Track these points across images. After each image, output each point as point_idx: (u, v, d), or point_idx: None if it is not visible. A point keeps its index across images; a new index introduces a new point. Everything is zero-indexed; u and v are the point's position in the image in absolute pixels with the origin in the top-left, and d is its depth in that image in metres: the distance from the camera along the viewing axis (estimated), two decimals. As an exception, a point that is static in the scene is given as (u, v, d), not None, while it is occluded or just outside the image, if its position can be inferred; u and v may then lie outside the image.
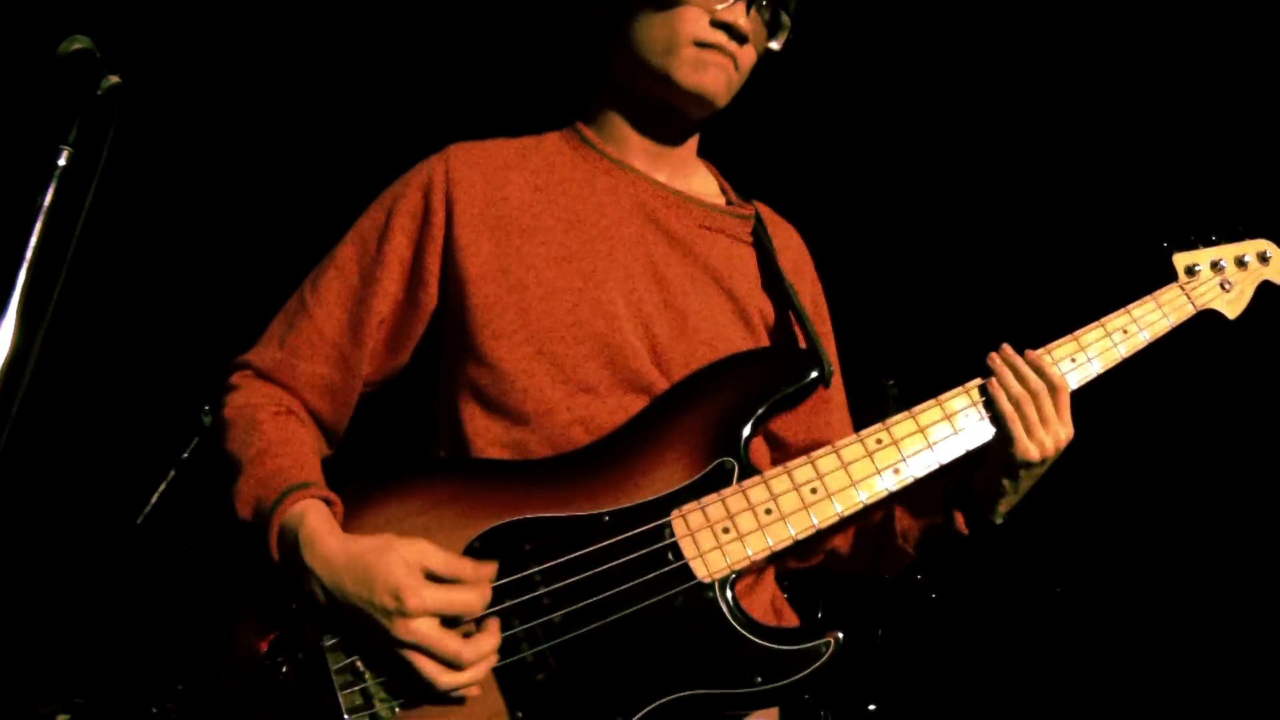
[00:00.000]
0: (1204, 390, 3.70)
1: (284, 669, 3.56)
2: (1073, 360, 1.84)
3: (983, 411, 1.79)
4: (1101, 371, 1.87)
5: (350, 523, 1.64)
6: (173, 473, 3.90)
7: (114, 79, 1.84)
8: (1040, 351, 1.83)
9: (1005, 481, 1.79)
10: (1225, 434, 3.91)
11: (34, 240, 1.79)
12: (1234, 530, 3.92)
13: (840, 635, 1.63)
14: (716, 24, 1.83)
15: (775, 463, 1.84)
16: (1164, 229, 2.03)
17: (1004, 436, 1.77)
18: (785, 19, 1.93)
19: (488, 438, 1.76)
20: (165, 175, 3.88)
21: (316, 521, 1.59)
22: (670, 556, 1.63)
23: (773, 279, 1.96)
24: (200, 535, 3.77)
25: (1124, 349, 1.88)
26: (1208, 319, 2.00)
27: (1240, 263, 2.01)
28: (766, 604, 1.83)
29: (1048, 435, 1.76)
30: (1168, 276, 1.98)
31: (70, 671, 3.64)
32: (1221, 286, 1.99)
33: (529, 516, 1.64)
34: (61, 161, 1.82)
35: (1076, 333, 1.88)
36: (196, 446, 3.95)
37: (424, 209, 1.85)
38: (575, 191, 1.90)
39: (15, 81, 2.59)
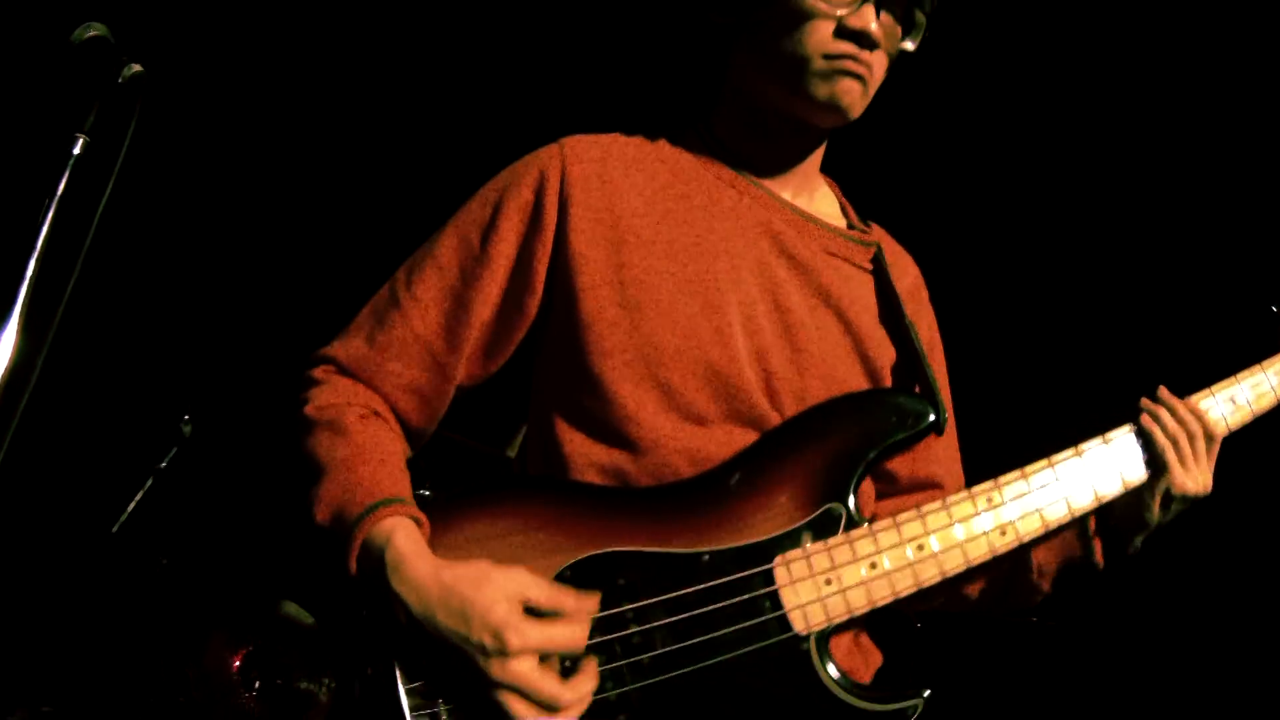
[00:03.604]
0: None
1: (256, 684, 3.53)
2: (1232, 401, 1.76)
3: (1103, 460, 1.69)
4: (1250, 419, 1.77)
5: (435, 538, 1.52)
6: (150, 482, 3.87)
7: (136, 67, 1.76)
8: (1195, 398, 1.74)
9: (1145, 515, 1.71)
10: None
11: (45, 229, 1.77)
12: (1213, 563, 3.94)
13: (927, 693, 1.54)
14: (844, 32, 1.65)
15: (879, 496, 1.74)
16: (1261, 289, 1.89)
17: (1157, 469, 1.68)
18: (920, 17, 1.73)
19: (586, 460, 1.63)
20: (152, 176, 3.84)
21: (405, 544, 1.46)
22: (768, 605, 1.52)
23: (892, 314, 1.82)
24: (177, 547, 3.73)
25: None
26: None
27: None
28: (849, 642, 1.70)
29: (1199, 472, 1.69)
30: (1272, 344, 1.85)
31: (38, 679, 3.50)
32: None
33: (625, 550, 1.52)
34: (76, 150, 1.73)
35: (1229, 380, 1.78)
36: (175, 456, 3.91)
37: (535, 207, 1.69)
38: (698, 204, 1.74)
39: (23, 69, 2.55)
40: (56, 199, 1.78)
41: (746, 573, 1.53)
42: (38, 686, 3.44)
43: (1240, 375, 1.79)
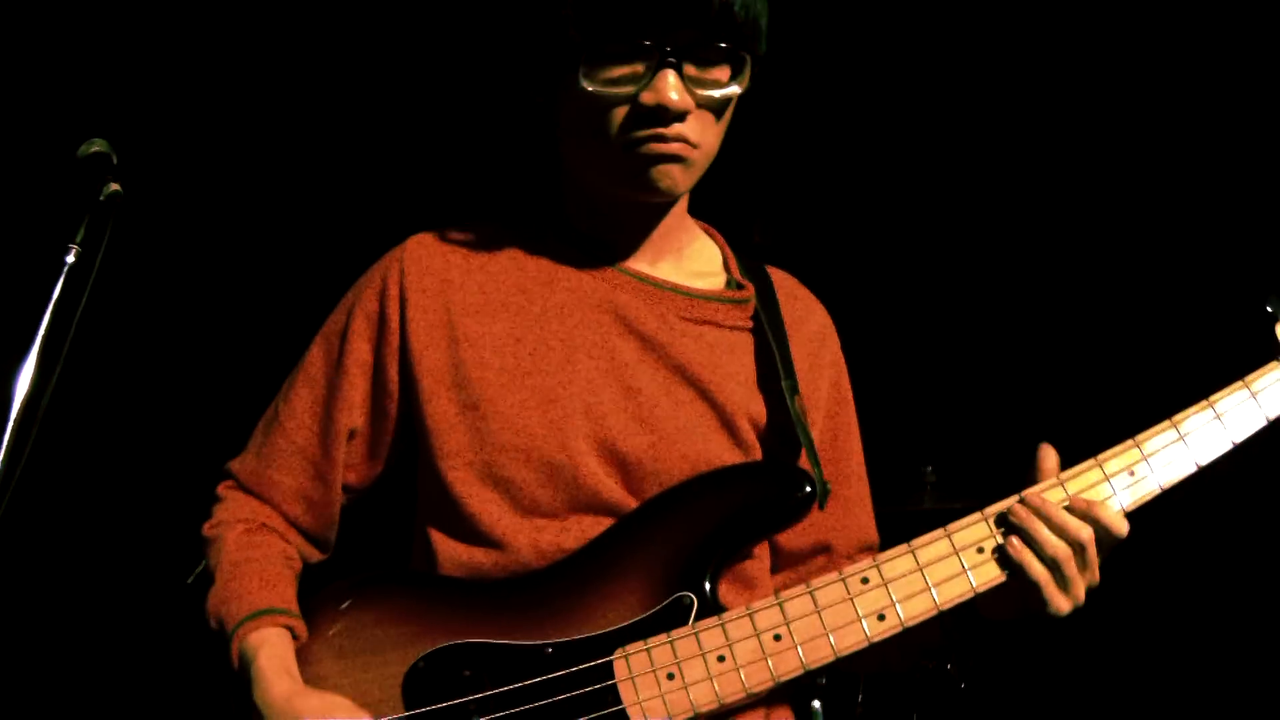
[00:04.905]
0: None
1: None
2: (1130, 474, 1.52)
3: (1003, 551, 1.50)
4: (1167, 487, 1.53)
5: (313, 628, 1.62)
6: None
7: (114, 186, 1.94)
8: (1078, 475, 1.53)
9: (1019, 619, 1.55)
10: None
11: (41, 333, 1.91)
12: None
13: None
14: (640, 113, 1.52)
15: (777, 570, 1.66)
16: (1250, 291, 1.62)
17: (1034, 597, 1.49)
18: (745, 56, 1.54)
19: (449, 559, 1.65)
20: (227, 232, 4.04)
21: (266, 661, 1.54)
22: (608, 700, 1.49)
23: (771, 375, 1.70)
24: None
25: (1200, 456, 1.53)
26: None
27: None
28: None
29: (1081, 588, 1.50)
30: (1267, 350, 1.59)
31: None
32: None
33: (472, 641, 1.54)
34: (70, 259, 1.92)
35: (1138, 436, 1.54)
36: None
37: (380, 313, 1.71)
38: (538, 294, 1.69)
39: (40, 177, 2.83)
40: (52, 305, 1.97)
41: (587, 665, 1.50)
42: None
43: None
